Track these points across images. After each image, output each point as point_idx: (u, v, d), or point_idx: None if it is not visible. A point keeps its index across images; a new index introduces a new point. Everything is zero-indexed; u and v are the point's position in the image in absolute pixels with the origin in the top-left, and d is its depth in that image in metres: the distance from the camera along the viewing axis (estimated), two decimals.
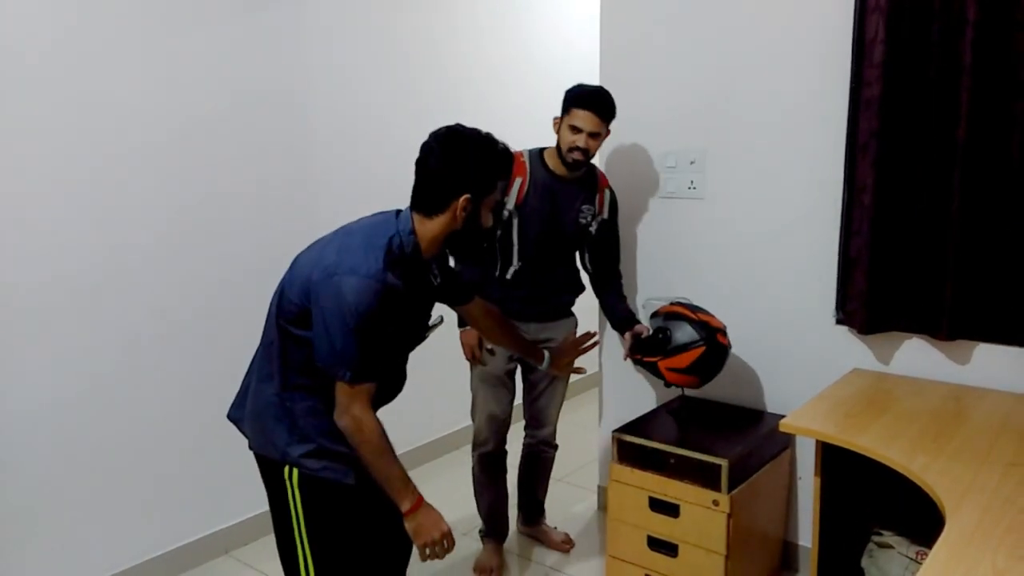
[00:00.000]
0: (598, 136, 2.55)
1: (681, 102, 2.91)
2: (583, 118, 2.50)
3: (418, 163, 1.81)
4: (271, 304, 1.88)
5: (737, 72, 2.76)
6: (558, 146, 2.60)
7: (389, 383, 1.93)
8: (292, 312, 1.77)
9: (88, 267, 2.57)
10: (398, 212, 1.85)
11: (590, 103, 2.51)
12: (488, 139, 1.81)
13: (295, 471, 1.80)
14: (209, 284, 2.90)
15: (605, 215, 2.74)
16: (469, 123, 1.88)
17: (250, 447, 1.92)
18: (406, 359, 1.98)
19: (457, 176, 1.76)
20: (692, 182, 2.91)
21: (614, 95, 3.05)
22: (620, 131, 3.07)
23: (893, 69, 2.34)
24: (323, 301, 1.68)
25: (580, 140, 2.51)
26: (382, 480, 1.77)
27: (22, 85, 2.38)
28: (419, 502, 1.81)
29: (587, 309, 2.99)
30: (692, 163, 2.90)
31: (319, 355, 1.71)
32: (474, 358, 2.71)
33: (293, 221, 3.09)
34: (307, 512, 1.82)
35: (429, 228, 1.80)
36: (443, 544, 1.83)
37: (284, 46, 3.06)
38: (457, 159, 1.76)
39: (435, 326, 2.00)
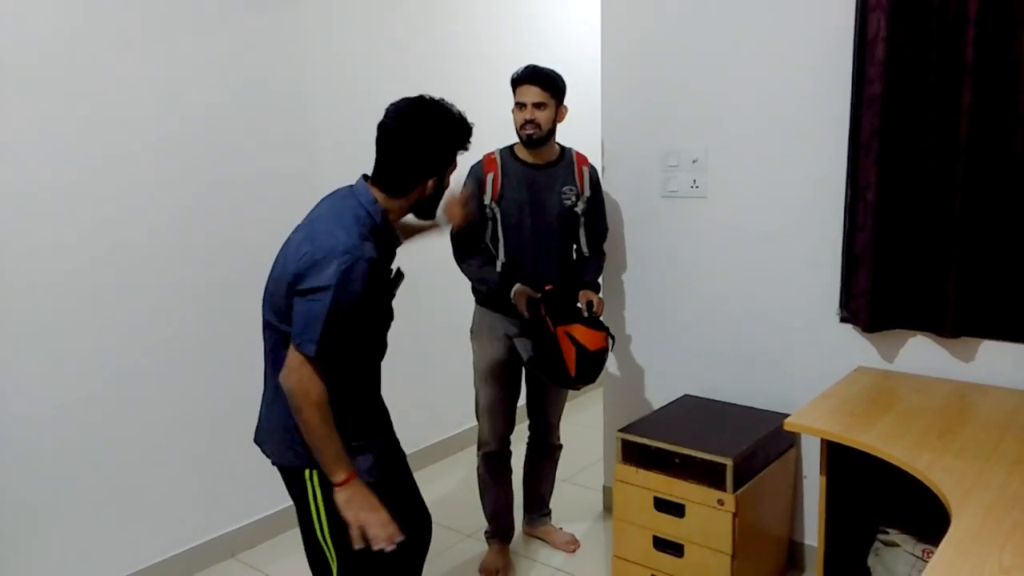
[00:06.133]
0: (543, 107, 2.58)
1: (683, 101, 2.91)
2: (523, 92, 2.60)
3: (380, 143, 1.81)
4: (263, 315, 1.87)
5: (739, 70, 2.76)
6: (517, 133, 2.65)
7: (372, 353, 1.94)
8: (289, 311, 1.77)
9: (92, 269, 2.58)
10: (350, 187, 1.87)
11: (525, 78, 2.60)
12: (446, 115, 1.81)
13: (315, 472, 1.81)
14: (213, 286, 2.91)
15: (588, 192, 2.76)
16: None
17: (273, 463, 1.93)
18: (387, 327, 1.96)
19: (423, 163, 1.80)
20: (695, 181, 2.91)
21: (616, 95, 3.08)
22: (623, 130, 3.08)
23: (895, 67, 2.34)
24: (305, 284, 1.70)
25: (527, 113, 2.58)
26: (318, 448, 1.72)
27: (24, 85, 2.39)
28: (353, 475, 1.76)
29: None
30: (694, 162, 2.90)
31: (294, 329, 1.71)
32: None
33: (297, 220, 3.09)
34: (328, 510, 1.82)
35: (395, 204, 1.84)
36: (379, 529, 1.73)
37: (284, 45, 3.06)
38: (421, 145, 1.78)
39: (399, 280, 1.96)
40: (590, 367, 2.53)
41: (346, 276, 1.67)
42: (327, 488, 1.80)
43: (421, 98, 1.81)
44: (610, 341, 2.57)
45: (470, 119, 1.86)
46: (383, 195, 1.83)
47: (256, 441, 1.98)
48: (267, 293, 1.86)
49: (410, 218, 1.98)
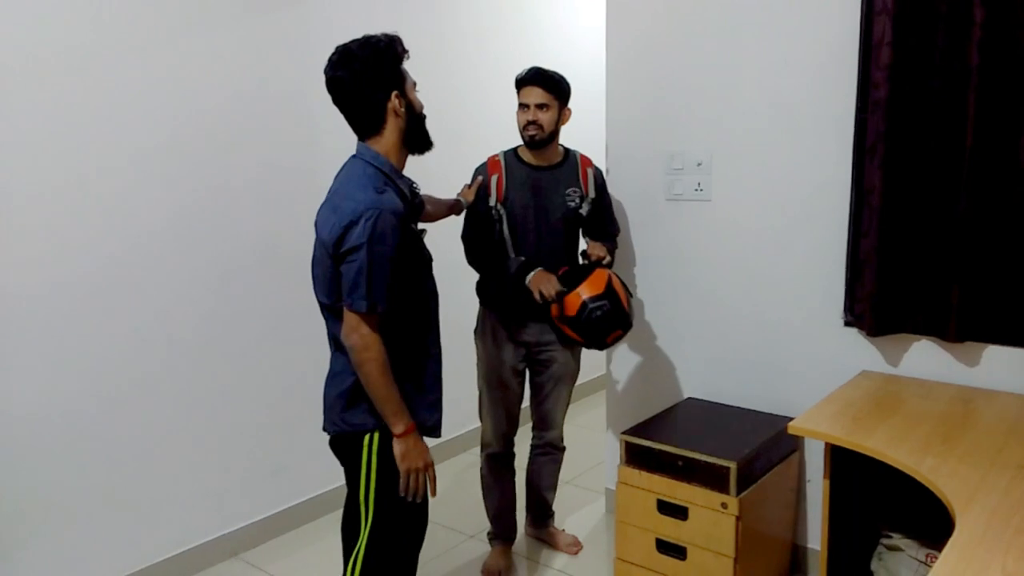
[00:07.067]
0: (546, 108, 2.58)
1: (688, 104, 2.91)
2: (526, 93, 2.61)
3: (337, 99, 1.91)
4: (317, 299, 1.96)
5: (744, 74, 2.76)
6: (520, 134, 2.65)
7: (424, 301, 2.01)
8: (332, 284, 1.87)
9: (92, 269, 2.58)
10: (352, 155, 1.96)
11: (529, 79, 2.61)
12: (369, 37, 1.91)
13: (376, 436, 1.92)
14: (213, 287, 2.91)
15: (592, 194, 2.75)
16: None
17: (329, 431, 2.01)
18: (430, 271, 2.05)
19: (376, 83, 1.87)
20: (699, 184, 2.91)
21: (621, 97, 3.08)
22: (627, 133, 3.08)
23: (900, 71, 2.34)
24: (343, 248, 1.79)
25: (530, 114, 2.59)
26: (381, 400, 1.85)
27: (29, 85, 2.40)
28: (412, 428, 1.90)
29: None
30: (699, 165, 2.90)
31: (343, 291, 1.81)
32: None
33: (299, 221, 3.10)
34: (379, 475, 1.93)
35: (386, 142, 1.92)
36: (425, 474, 1.93)
37: (289, 45, 3.07)
38: (365, 70, 1.86)
39: (422, 232, 2.05)
40: (595, 324, 2.45)
41: (375, 229, 1.76)
42: (383, 453, 1.91)
43: (343, 43, 1.92)
44: (601, 291, 2.45)
45: (365, 36, 1.92)
46: (374, 141, 1.92)
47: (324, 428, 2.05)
48: (315, 278, 1.95)
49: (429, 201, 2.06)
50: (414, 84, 1.97)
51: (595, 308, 2.45)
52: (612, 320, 2.49)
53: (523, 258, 2.63)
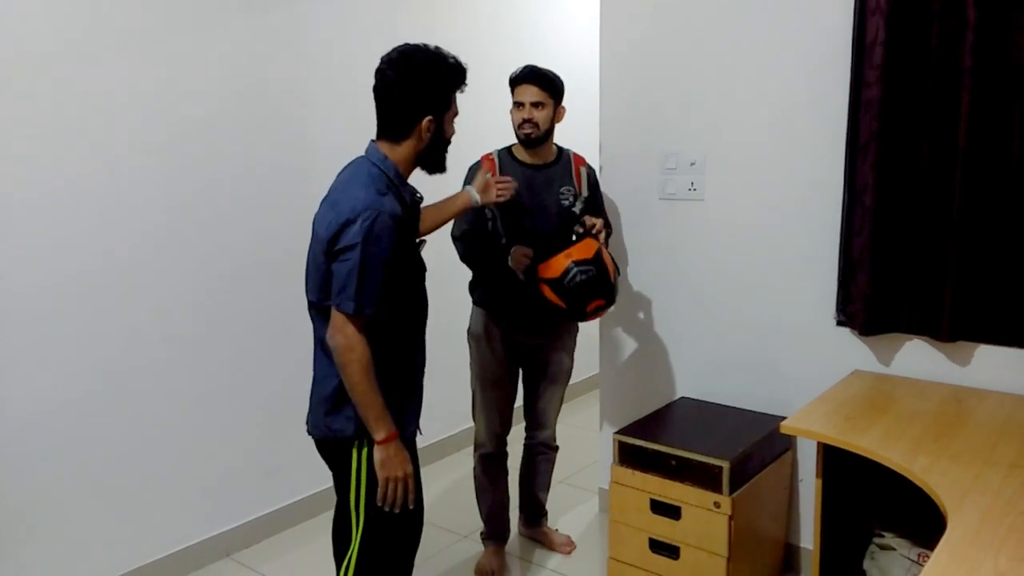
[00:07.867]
0: (541, 106, 2.58)
1: (682, 104, 2.91)
2: (521, 91, 2.61)
3: (376, 90, 1.88)
4: (308, 297, 1.94)
5: (737, 74, 2.76)
6: (515, 132, 2.65)
7: (415, 309, 2.00)
8: (324, 282, 1.85)
9: (88, 268, 2.57)
10: (362, 155, 1.94)
11: (523, 77, 2.61)
12: (438, 55, 1.87)
13: (367, 443, 1.88)
14: (207, 286, 2.90)
15: (586, 192, 2.75)
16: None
17: (313, 434, 1.99)
18: (423, 280, 2.03)
19: (417, 100, 1.85)
20: (692, 183, 2.91)
21: (615, 97, 3.08)
22: (621, 132, 3.08)
23: (893, 71, 2.34)
24: (337, 246, 1.77)
25: (525, 112, 2.59)
26: (363, 405, 1.81)
27: (24, 85, 2.38)
28: (394, 435, 1.86)
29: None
30: (692, 164, 2.90)
31: (333, 290, 1.79)
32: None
33: (295, 221, 3.09)
34: (368, 482, 1.90)
35: (399, 152, 1.90)
36: (404, 484, 1.88)
37: (285, 46, 3.06)
38: (413, 83, 1.84)
39: (422, 243, 2.04)
40: (578, 287, 2.43)
41: (371, 231, 1.74)
42: (372, 461, 1.88)
43: (414, 44, 1.88)
44: (589, 257, 2.45)
45: (440, 48, 1.88)
46: (388, 146, 1.90)
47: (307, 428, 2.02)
48: (307, 275, 1.92)
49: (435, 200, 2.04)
50: (456, 114, 1.95)
51: (579, 272, 2.43)
52: (595, 287, 2.46)
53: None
